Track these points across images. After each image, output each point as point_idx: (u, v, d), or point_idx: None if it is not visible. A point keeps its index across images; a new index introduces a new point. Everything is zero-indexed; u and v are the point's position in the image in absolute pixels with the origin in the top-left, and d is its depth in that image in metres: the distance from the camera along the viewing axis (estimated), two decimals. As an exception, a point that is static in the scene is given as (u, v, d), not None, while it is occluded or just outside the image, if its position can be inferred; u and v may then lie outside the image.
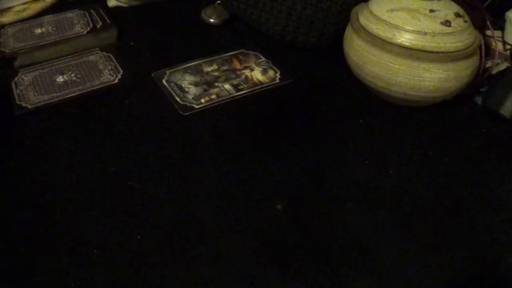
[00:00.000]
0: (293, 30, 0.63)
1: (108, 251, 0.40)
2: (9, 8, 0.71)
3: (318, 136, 0.52)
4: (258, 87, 0.58)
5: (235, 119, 0.54)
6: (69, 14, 0.70)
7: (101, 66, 0.61)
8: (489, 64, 0.60)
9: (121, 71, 0.60)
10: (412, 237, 0.41)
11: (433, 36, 0.50)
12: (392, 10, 0.52)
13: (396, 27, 0.51)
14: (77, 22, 0.68)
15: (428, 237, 0.42)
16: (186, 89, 0.58)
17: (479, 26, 0.55)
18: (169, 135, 0.51)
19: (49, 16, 0.70)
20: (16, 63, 0.61)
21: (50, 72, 0.60)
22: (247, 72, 0.61)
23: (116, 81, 0.59)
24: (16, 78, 0.59)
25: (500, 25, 0.65)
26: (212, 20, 0.71)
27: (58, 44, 0.63)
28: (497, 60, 0.60)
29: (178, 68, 0.61)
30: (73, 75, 0.59)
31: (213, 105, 0.55)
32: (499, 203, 0.45)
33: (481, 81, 0.57)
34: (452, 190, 0.46)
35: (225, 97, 0.56)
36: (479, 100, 0.56)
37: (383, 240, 0.41)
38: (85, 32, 0.66)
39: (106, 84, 0.58)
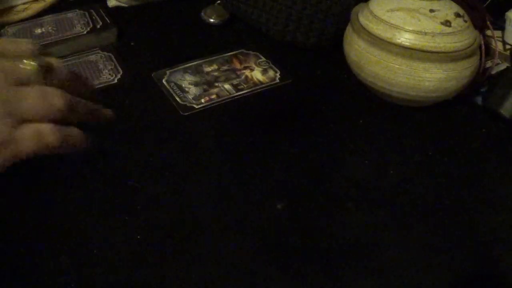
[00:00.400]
0: (293, 30, 0.63)
1: (108, 251, 0.40)
2: (9, 8, 0.71)
3: (318, 136, 0.52)
4: (258, 87, 0.58)
5: (235, 119, 0.54)
6: (69, 14, 0.70)
7: (101, 66, 0.61)
8: (489, 64, 0.60)
9: (121, 71, 0.60)
10: (412, 237, 0.41)
11: (433, 36, 0.50)
12: (392, 10, 0.52)
13: (396, 27, 0.51)
14: (77, 22, 0.68)
15: (428, 237, 0.42)
16: (186, 89, 0.58)
17: (479, 26, 0.55)
18: (169, 135, 0.51)
19: (49, 16, 0.70)
20: (16, 63, 0.61)
21: (50, 72, 0.60)
22: (247, 72, 0.61)
23: (116, 81, 0.59)
24: (16, 78, 0.59)
25: (500, 25, 0.65)
26: (212, 20, 0.71)
27: (58, 44, 0.63)
28: (497, 60, 0.60)
29: (178, 68, 0.61)
30: (73, 75, 0.59)
31: (213, 105, 0.55)
32: (499, 203, 0.45)
33: (481, 81, 0.57)
34: (452, 190, 0.46)
35: (225, 97, 0.56)
36: (479, 100, 0.56)
37: (383, 240, 0.41)
38: (85, 32, 0.66)
39: (105, 84, 0.58)
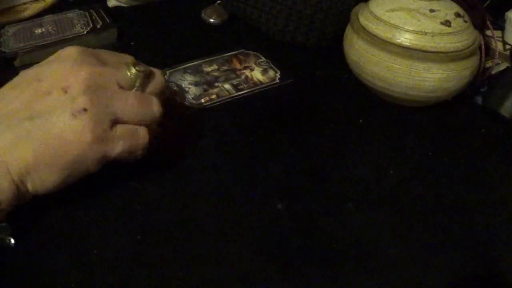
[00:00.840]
0: (293, 30, 0.63)
1: (108, 251, 0.40)
2: (9, 8, 0.71)
3: (318, 136, 0.52)
4: (258, 87, 0.58)
5: (235, 119, 0.54)
6: (69, 14, 0.70)
7: (101, 66, 0.61)
8: (489, 64, 0.60)
9: (121, 71, 0.60)
10: (412, 237, 0.41)
11: (433, 36, 0.50)
12: (392, 10, 0.52)
13: (396, 27, 0.51)
14: (77, 22, 0.68)
15: (428, 237, 0.42)
16: (186, 89, 0.58)
17: (479, 26, 0.55)
18: (169, 136, 0.51)
19: (49, 16, 0.70)
20: (16, 63, 0.61)
21: (50, 72, 0.60)
22: (247, 72, 0.61)
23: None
24: (16, 78, 0.59)
25: (500, 25, 0.65)
26: (212, 20, 0.71)
27: (58, 44, 0.63)
28: (497, 60, 0.60)
29: (178, 68, 0.61)
30: (73, 75, 0.59)
31: (213, 105, 0.55)
32: (499, 203, 0.45)
33: (481, 81, 0.57)
34: (452, 190, 0.46)
35: (225, 97, 0.56)
36: (479, 100, 0.56)
37: (383, 240, 0.41)
38: (85, 32, 0.66)
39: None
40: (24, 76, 0.40)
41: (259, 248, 0.40)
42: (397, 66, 0.51)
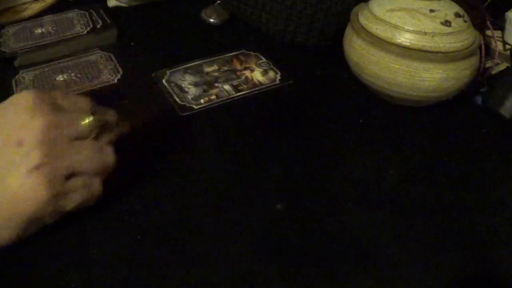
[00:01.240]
0: (293, 30, 0.63)
1: (108, 251, 0.40)
2: (9, 8, 0.71)
3: (318, 136, 0.52)
4: (257, 88, 0.58)
5: (234, 120, 0.54)
6: (69, 14, 0.70)
7: (101, 66, 0.61)
8: (489, 64, 0.60)
9: (121, 71, 0.60)
10: (412, 237, 0.41)
11: (433, 36, 0.50)
12: (392, 10, 0.52)
13: (396, 27, 0.51)
14: (77, 22, 0.68)
15: (428, 237, 0.42)
16: (186, 90, 0.58)
17: (479, 26, 0.55)
18: (169, 136, 0.51)
19: (49, 16, 0.70)
20: (16, 63, 0.61)
21: (51, 71, 0.60)
22: (247, 73, 0.61)
23: (116, 81, 0.59)
24: (17, 77, 0.59)
25: (500, 25, 0.65)
26: (212, 20, 0.71)
27: (58, 44, 0.64)
28: (497, 60, 0.60)
29: (178, 68, 0.61)
30: (72, 74, 0.59)
31: (212, 105, 0.55)
32: (499, 203, 0.45)
33: (481, 81, 0.57)
34: (452, 190, 0.46)
35: (225, 98, 0.56)
36: (479, 100, 0.56)
37: (383, 240, 0.41)
38: (85, 32, 0.66)
39: (105, 84, 0.58)
40: None
41: (259, 248, 0.40)
42: (397, 66, 0.51)
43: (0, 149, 0.37)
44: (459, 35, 0.50)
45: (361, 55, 0.53)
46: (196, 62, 0.62)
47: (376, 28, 0.52)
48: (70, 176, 0.38)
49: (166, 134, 0.52)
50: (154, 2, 0.76)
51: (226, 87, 0.58)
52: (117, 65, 0.61)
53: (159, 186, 0.45)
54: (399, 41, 0.50)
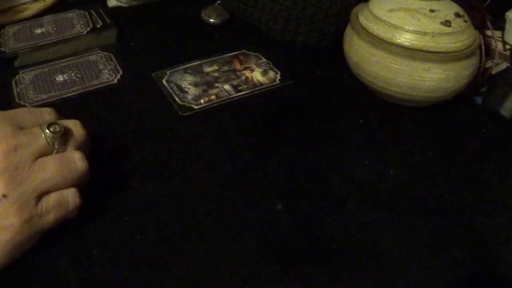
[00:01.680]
0: (293, 30, 0.63)
1: (108, 251, 0.40)
2: (9, 8, 0.71)
3: (318, 136, 0.52)
4: (257, 88, 0.58)
5: (234, 120, 0.54)
6: (69, 14, 0.70)
7: (101, 66, 0.61)
8: (489, 64, 0.60)
9: (121, 71, 0.60)
10: (412, 237, 0.41)
11: (433, 36, 0.50)
12: (392, 10, 0.52)
13: (396, 27, 0.51)
14: (77, 22, 0.68)
15: (428, 237, 0.42)
16: (186, 90, 0.58)
17: (479, 26, 0.55)
18: (169, 136, 0.51)
19: (49, 16, 0.70)
20: (16, 63, 0.61)
21: (50, 71, 0.60)
22: (247, 73, 0.61)
23: (116, 81, 0.59)
24: (17, 77, 0.59)
25: (500, 25, 0.65)
26: (212, 20, 0.71)
27: (58, 44, 0.64)
28: (497, 60, 0.60)
29: (178, 68, 0.61)
30: (72, 74, 0.59)
31: (212, 105, 0.55)
32: (499, 203, 0.45)
33: (481, 81, 0.57)
34: (452, 190, 0.46)
35: (225, 98, 0.56)
36: (479, 100, 0.56)
37: (383, 240, 0.41)
38: (85, 32, 0.66)
39: (105, 84, 0.58)
40: None
41: (259, 248, 0.40)
42: (397, 66, 0.51)
43: None
44: (459, 35, 0.50)
45: (361, 55, 0.53)
46: (196, 62, 0.62)
47: (376, 28, 0.52)
48: (41, 196, 0.37)
49: (166, 134, 0.52)
50: (154, 2, 0.76)
51: (226, 87, 0.58)
52: (117, 65, 0.61)
53: (159, 186, 0.45)
54: (399, 41, 0.50)
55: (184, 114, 0.54)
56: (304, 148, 0.50)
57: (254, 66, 0.62)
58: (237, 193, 0.45)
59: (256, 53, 0.64)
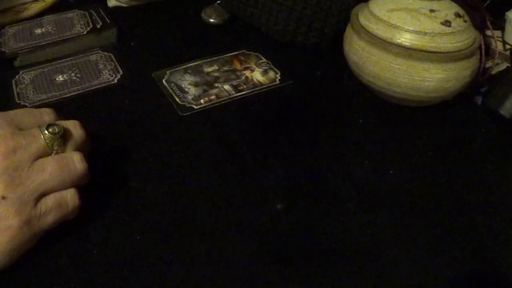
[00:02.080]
0: (293, 30, 0.63)
1: (108, 251, 0.40)
2: (9, 8, 0.71)
3: (318, 136, 0.52)
4: (257, 88, 0.58)
5: (234, 120, 0.54)
6: (69, 14, 0.70)
7: (101, 66, 0.61)
8: (489, 64, 0.60)
9: (121, 71, 0.60)
10: (412, 237, 0.41)
11: (433, 36, 0.50)
12: (392, 10, 0.52)
13: (396, 27, 0.51)
14: (77, 22, 0.68)
15: (428, 237, 0.42)
16: (186, 90, 0.58)
17: (479, 26, 0.55)
18: (169, 136, 0.51)
19: (49, 16, 0.70)
20: (16, 63, 0.61)
21: (50, 72, 0.60)
22: (247, 73, 0.61)
23: (116, 81, 0.59)
24: (17, 77, 0.59)
25: (500, 25, 0.65)
26: (212, 20, 0.71)
27: (58, 44, 0.64)
28: (497, 60, 0.60)
29: (178, 68, 0.61)
30: (72, 74, 0.59)
31: (212, 105, 0.55)
32: (499, 203, 0.45)
33: (481, 81, 0.57)
34: (452, 190, 0.46)
35: (225, 98, 0.56)
36: (479, 100, 0.56)
37: (383, 240, 0.41)
38: (85, 32, 0.66)
39: (105, 84, 0.58)
40: None
41: (259, 248, 0.40)
42: (397, 66, 0.51)
43: None
44: (459, 35, 0.50)
45: (361, 55, 0.53)
46: (196, 62, 0.62)
47: (376, 28, 0.52)
48: (40, 197, 0.37)
49: (166, 134, 0.52)
50: (154, 2, 0.76)
51: (226, 87, 0.58)
52: (117, 65, 0.61)
53: (159, 186, 0.45)
54: (399, 41, 0.50)
55: (184, 114, 0.54)
56: (304, 148, 0.50)
57: (254, 66, 0.62)
58: (237, 193, 0.45)
59: (256, 53, 0.64)
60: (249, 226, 0.42)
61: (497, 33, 0.64)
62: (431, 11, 0.51)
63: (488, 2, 0.67)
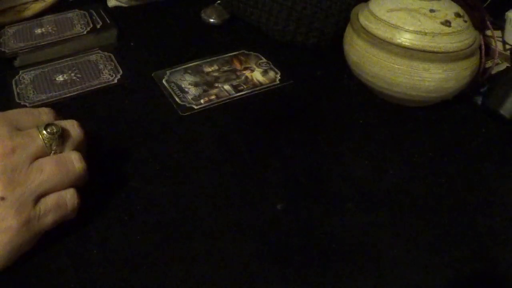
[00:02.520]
0: (293, 30, 0.63)
1: (108, 251, 0.40)
2: (9, 8, 0.71)
3: (318, 136, 0.52)
4: (257, 88, 0.58)
5: (234, 120, 0.54)
6: (69, 14, 0.70)
7: (101, 66, 0.61)
8: (489, 64, 0.60)
9: (121, 71, 0.60)
10: (412, 237, 0.41)
11: (433, 36, 0.50)
12: (392, 10, 0.52)
13: (396, 27, 0.51)
14: (77, 22, 0.68)
15: (428, 237, 0.42)
16: (186, 90, 0.58)
17: (479, 26, 0.55)
18: (169, 136, 0.51)
19: (49, 16, 0.70)
20: (16, 63, 0.61)
21: (50, 71, 0.60)
22: (247, 73, 0.61)
23: (116, 81, 0.59)
24: (17, 77, 0.59)
25: (500, 25, 0.65)
26: (212, 20, 0.71)
27: (58, 44, 0.64)
28: (497, 60, 0.60)
29: (178, 68, 0.61)
30: (72, 74, 0.59)
31: (212, 105, 0.55)
32: (499, 203, 0.45)
33: (481, 81, 0.57)
34: (452, 190, 0.46)
35: (225, 98, 0.56)
36: (479, 100, 0.56)
37: (383, 240, 0.41)
38: (85, 32, 0.66)
39: (105, 84, 0.58)
40: None
41: (259, 248, 0.40)
42: (397, 66, 0.51)
43: None
44: (459, 35, 0.50)
45: (361, 55, 0.53)
46: (196, 62, 0.62)
47: (376, 28, 0.52)
48: (39, 197, 0.37)
49: (166, 134, 0.52)
50: (154, 2, 0.76)
51: (226, 87, 0.58)
52: (117, 65, 0.61)
53: (159, 186, 0.45)
54: (399, 41, 0.50)
55: (184, 114, 0.54)
56: (304, 148, 0.50)
57: (254, 66, 0.62)
58: (237, 193, 0.45)
59: (256, 53, 0.64)
60: (249, 226, 0.42)
61: (497, 33, 0.64)
62: (431, 11, 0.51)
63: (488, 2, 0.67)
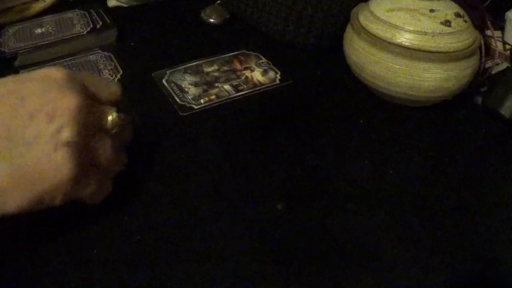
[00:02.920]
0: (293, 30, 0.63)
1: (108, 251, 0.40)
2: (9, 8, 0.71)
3: (318, 136, 0.52)
4: (257, 88, 0.58)
5: (234, 120, 0.54)
6: (69, 14, 0.70)
7: (101, 66, 0.61)
8: (489, 64, 0.60)
9: (121, 71, 0.60)
10: (412, 237, 0.41)
11: (433, 36, 0.50)
12: (392, 10, 0.52)
13: (396, 27, 0.51)
14: (77, 22, 0.68)
15: (428, 237, 0.42)
16: (186, 89, 0.58)
17: (479, 26, 0.55)
18: (169, 136, 0.51)
19: (49, 16, 0.70)
20: (16, 63, 0.61)
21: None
22: (247, 73, 0.61)
23: (116, 81, 0.59)
24: (16, 78, 0.59)
25: (500, 25, 0.65)
26: (212, 20, 0.71)
27: (58, 44, 0.64)
28: (497, 60, 0.60)
29: (178, 68, 0.61)
30: (73, 75, 0.59)
31: (212, 105, 0.55)
32: (499, 203, 0.45)
33: (481, 81, 0.57)
34: (452, 190, 0.46)
35: (225, 98, 0.56)
36: (479, 100, 0.56)
37: (383, 240, 0.41)
38: (85, 32, 0.66)
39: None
40: (3, 87, 0.36)
41: (259, 248, 0.40)
42: (397, 66, 0.51)
43: (28, 118, 0.34)
44: (459, 35, 0.50)
45: (361, 55, 0.53)
46: (196, 62, 0.62)
47: (376, 28, 0.52)
48: (91, 165, 0.38)
49: (166, 134, 0.52)
50: (154, 2, 0.76)
51: (226, 87, 0.58)
52: (117, 65, 0.61)
53: (159, 186, 0.45)
54: (399, 41, 0.50)
55: (184, 114, 0.54)
56: (304, 148, 0.50)
57: (254, 66, 0.62)
58: (237, 193, 0.45)
59: (256, 53, 0.64)
60: (249, 226, 0.42)
61: (497, 33, 0.64)
62: (431, 11, 0.51)
63: (488, 2, 0.68)
